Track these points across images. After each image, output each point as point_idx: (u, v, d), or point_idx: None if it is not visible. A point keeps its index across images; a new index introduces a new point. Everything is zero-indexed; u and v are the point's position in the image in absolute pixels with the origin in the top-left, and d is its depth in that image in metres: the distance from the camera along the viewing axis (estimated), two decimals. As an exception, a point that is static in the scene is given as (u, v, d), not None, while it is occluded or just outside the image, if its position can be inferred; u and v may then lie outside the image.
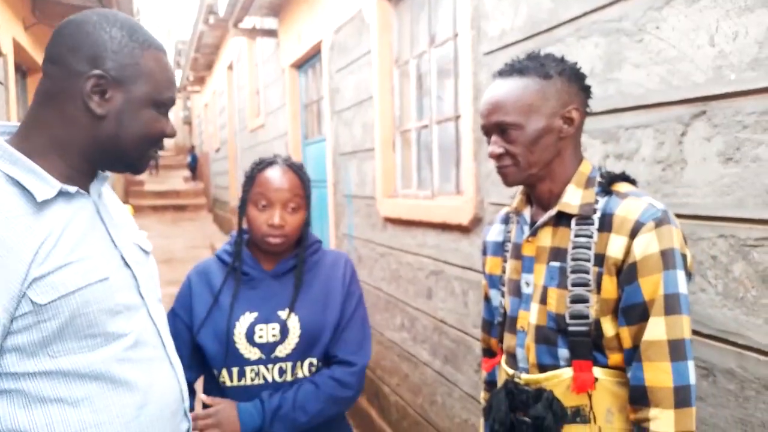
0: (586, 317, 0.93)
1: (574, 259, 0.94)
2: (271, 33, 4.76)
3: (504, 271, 1.10)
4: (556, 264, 0.97)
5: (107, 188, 0.93)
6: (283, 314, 1.23)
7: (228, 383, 1.21)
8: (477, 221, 1.92)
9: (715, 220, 1.09)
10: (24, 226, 0.72)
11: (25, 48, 3.55)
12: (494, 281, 1.14)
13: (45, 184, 0.76)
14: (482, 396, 1.26)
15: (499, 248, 1.13)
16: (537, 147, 0.96)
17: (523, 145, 0.96)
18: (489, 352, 1.24)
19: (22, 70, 3.95)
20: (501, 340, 1.12)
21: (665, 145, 1.19)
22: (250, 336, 1.21)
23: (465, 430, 2.09)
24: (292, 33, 4.17)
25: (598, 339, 0.94)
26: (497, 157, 0.99)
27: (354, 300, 1.30)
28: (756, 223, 1.01)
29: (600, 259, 0.92)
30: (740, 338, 1.05)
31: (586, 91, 1.01)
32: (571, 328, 0.94)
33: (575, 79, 0.99)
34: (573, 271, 0.94)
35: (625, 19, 1.27)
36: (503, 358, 1.09)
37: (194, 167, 16.03)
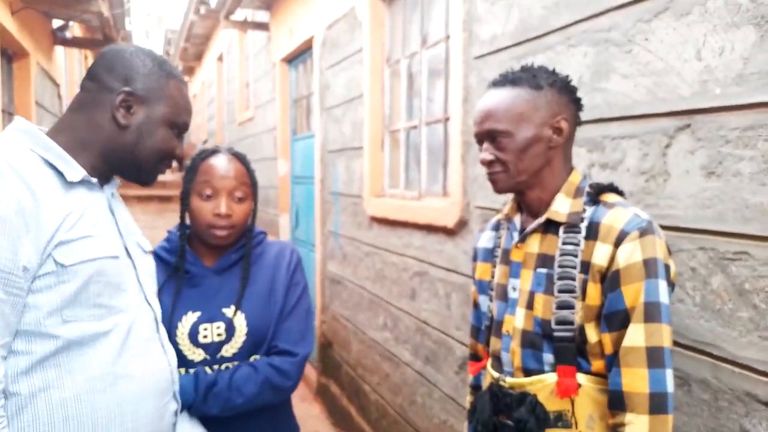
0: (571, 323, 0.95)
1: (560, 266, 0.96)
2: (263, 26, 4.72)
3: (493, 277, 1.11)
4: (543, 270, 0.99)
5: (117, 193, 1.04)
6: (228, 312, 1.18)
7: None
8: (462, 224, 1.92)
9: (695, 232, 1.10)
10: (56, 197, 0.85)
11: (11, 33, 3.48)
12: (483, 287, 1.16)
13: (72, 169, 0.89)
14: (468, 399, 1.27)
15: (489, 254, 1.15)
16: (526, 155, 0.98)
17: (512, 152, 0.99)
18: (476, 357, 1.24)
19: (8, 54, 3.87)
20: (488, 344, 1.13)
21: (649, 156, 1.20)
22: (193, 337, 1.15)
23: (441, 429, 2.09)
24: (284, 27, 4.14)
25: (582, 345, 0.95)
26: (488, 164, 1.01)
27: (298, 290, 1.25)
28: (735, 237, 1.02)
29: (586, 267, 0.94)
30: (716, 349, 1.06)
31: (576, 103, 1.03)
32: (556, 334, 0.96)
33: (566, 91, 1.01)
34: (560, 278, 0.96)
35: (614, 30, 1.28)
36: (489, 362, 1.11)
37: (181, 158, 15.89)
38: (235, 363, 1.18)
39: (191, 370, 1.15)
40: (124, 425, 0.87)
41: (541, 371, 0.98)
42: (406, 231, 2.36)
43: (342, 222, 3.14)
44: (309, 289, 1.32)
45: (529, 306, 1.00)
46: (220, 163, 1.18)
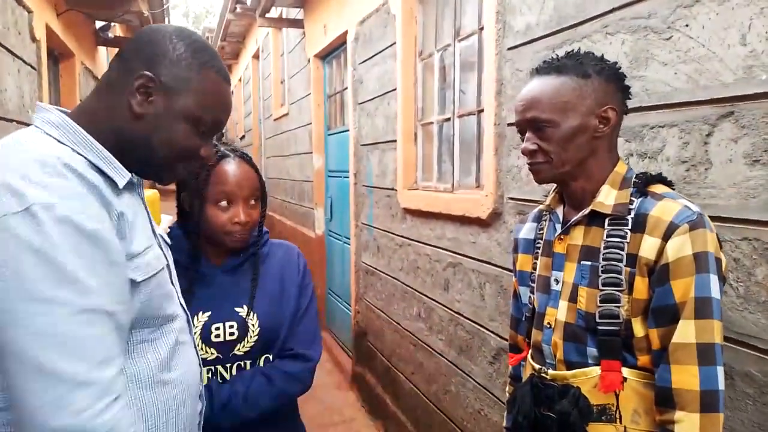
0: (617, 317, 0.93)
1: (606, 259, 0.94)
2: (297, 23, 4.78)
3: (534, 269, 1.10)
4: (588, 263, 0.97)
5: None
6: (241, 311, 1.18)
7: None
8: (496, 215, 1.92)
9: (738, 222, 1.07)
10: (113, 205, 0.78)
11: (57, 34, 3.64)
12: (524, 278, 1.14)
13: (118, 172, 0.81)
14: (507, 389, 1.27)
15: (531, 246, 1.14)
16: (571, 145, 0.96)
17: (556, 142, 0.96)
18: (515, 348, 1.24)
19: (54, 55, 4.06)
20: (528, 336, 1.13)
21: (690, 145, 1.18)
22: (206, 336, 1.15)
23: (477, 420, 2.10)
24: (318, 24, 4.18)
25: (627, 339, 0.93)
26: (530, 154, 0.99)
27: (308, 293, 1.27)
28: (780, 227, 1.00)
29: (632, 260, 0.92)
30: (761, 342, 1.04)
31: (624, 91, 1.00)
32: (600, 328, 0.94)
33: (614, 79, 0.98)
34: (604, 271, 0.94)
35: (653, 16, 1.26)
36: (530, 353, 1.10)
37: None
38: (247, 362, 1.18)
39: (204, 372, 1.14)
40: (173, 429, 0.86)
41: (585, 364, 0.96)
42: (439, 223, 2.37)
43: (376, 214, 3.17)
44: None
45: (573, 299, 0.98)
46: (235, 171, 1.15)
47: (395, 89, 2.77)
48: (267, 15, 4.92)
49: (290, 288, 1.25)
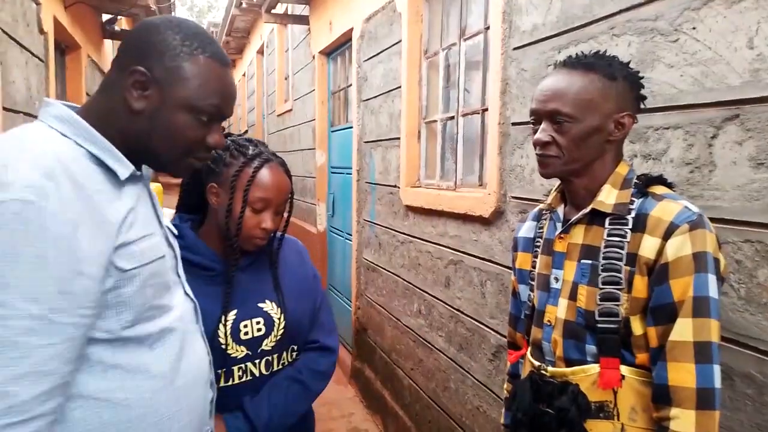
0: (616, 315, 0.93)
1: (606, 258, 0.95)
2: (302, 19, 4.78)
3: (534, 267, 1.11)
4: (588, 261, 0.98)
5: (148, 175, 0.97)
6: (265, 307, 1.19)
7: (218, 382, 1.14)
8: (498, 214, 1.93)
9: (741, 224, 1.08)
10: (111, 197, 0.77)
11: (65, 26, 3.65)
12: (523, 276, 1.15)
13: (121, 164, 0.80)
14: (505, 387, 1.28)
15: (530, 244, 1.14)
16: (584, 144, 0.96)
17: (572, 139, 0.96)
18: (514, 346, 1.24)
19: (61, 47, 4.07)
20: (527, 333, 1.14)
21: (695, 147, 1.18)
22: (235, 334, 1.15)
23: (476, 417, 2.12)
24: (323, 20, 4.19)
25: (626, 337, 0.94)
26: (543, 145, 0.98)
27: (320, 284, 1.32)
28: (783, 230, 1.00)
29: (632, 259, 0.92)
30: (761, 344, 1.05)
31: (641, 99, 1.01)
32: (600, 326, 0.95)
33: (636, 87, 0.99)
34: (604, 269, 0.95)
35: (660, 19, 1.26)
36: (529, 351, 1.11)
37: None
38: (275, 356, 1.19)
39: (235, 371, 1.16)
40: (181, 420, 0.86)
41: (584, 362, 0.97)
42: (441, 220, 2.38)
43: (378, 211, 3.18)
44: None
45: (572, 297, 0.99)
46: (275, 179, 1.15)
47: (400, 87, 2.78)
48: (272, 11, 4.93)
49: (305, 279, 1.28)
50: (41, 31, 2.99)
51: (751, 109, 1.06)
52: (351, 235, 3.69)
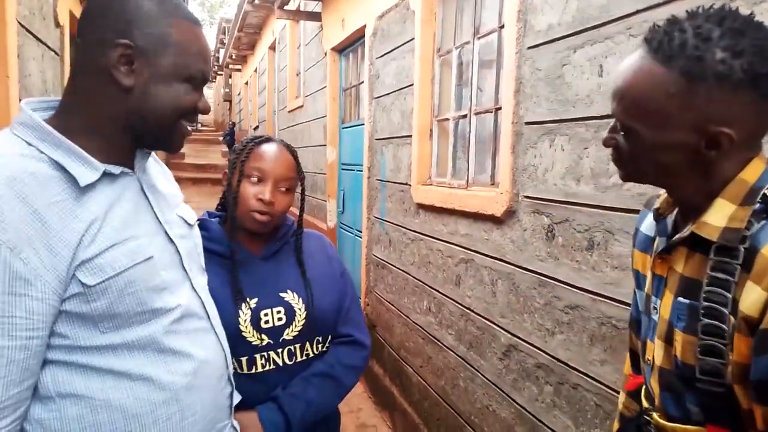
0: (722, 376, 0.69)
1: (707, 300, 0.70)
2: (315, 16, 4.79)
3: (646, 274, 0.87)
4: (686, 301, 0.73)
5: (153, 158, 0.91)
6: (286, 296, 1.19)
7: (238, 371, 1.15)
8: (510, 213, 1.93)
9: None
10: (68, 211, 0.72)
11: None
12: (639, 280, 0.89)
13: (88, 167, 0.75)
14: (614, 425, 1.04)
15: (649, 244, 0.87)
16: (652, 160, 0.72)
17: (633, 152, 0.74)
18: (634, 355, 1.01)
19: (76, 41, 4.10)
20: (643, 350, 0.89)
21: None
22: (255, 323, 1.15)
23: (485, 415, 2.13)
24: (336, 17, 4.20)
25: (736, 407, 0.70)
26: (607, 146, 0.79)
27: (349, 280, 1.32)
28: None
29: (736, 308, 0.67)
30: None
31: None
32: (701, 386, 0.71)
33: (749, 86, 0.65)
34: (705, 315, 0.70)
35: (677, 19, 1.26)
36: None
37: (232, 142, 16.34)
38: (297, 346, 1.19)
39: (258, 359, 1.17)
40: (184, 420, 0.83)
41: (687, 420, 0.75)
42: (452, 219, 2.38)
43: (388, 209, 3.19)
44: (351, 274, 1.38)
45: (668, 340, 0.76)
46: (272, 151, 1.17)
47: (412, 85, 2.79)
48: (285, 7, 4.95)
49: (332, 275, 1.28)
50: (57, 25, 3.01)
51: None
52: (361, 231, 3.71)
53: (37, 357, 0.72)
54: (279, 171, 1.15)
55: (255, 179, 1.15)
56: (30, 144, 0.74)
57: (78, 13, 3.58)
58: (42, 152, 0.73)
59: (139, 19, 0.75)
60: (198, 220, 1.10)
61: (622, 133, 0.74)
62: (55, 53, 2.97)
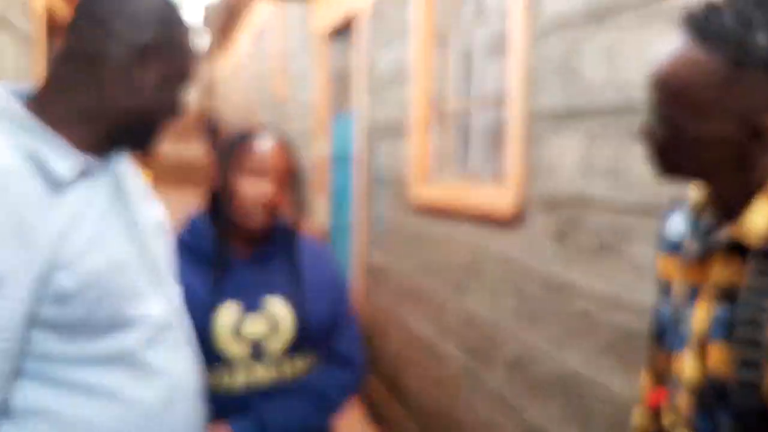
0: (759, 390, 0.66)
1: (746, 309, 0.67)
2: None
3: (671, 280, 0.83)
4: (722, 309, 0.70)
5: (127, 159, 0.89)
6: (272, 304, 1.12)
7: (218, 386, 1.07)
8: (519, 212, 1.82)
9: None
10: (44, 208, 0.69)
11: (56, 10, 3.50)
12: (666, 288, 0.85)
13: (67, 161, 0.72)
14: (636, 416, 0.99)
15: (678, 248, 0.82)
16: (693, 152, 0.69)
17: (673, 144, 0.70)
18: (654, 369, 0.94)
19: (53, 29, 3.92)
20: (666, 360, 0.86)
21: None
22: (235, 328, 1.09)
23: (489, 429, 2.04)
24: (325, 0, 4.04)
25: None
26: (642, 135, 0.75)
27: (346, 293, 1.26)
28: None
29: None
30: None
31: None
32: (736, 400, 0.68)
33: None
34: (743, 325, 0.67)
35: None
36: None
37: (214, 136, 16.10)
38: (284, 359, 1.12)
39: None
40: (162, 429, 0.80)
41: None
42: (454, 219, 2.27)
43: (385, 207, 3.07)
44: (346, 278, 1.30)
45: (701, 351, 0.72)
46: (269, 146, 1.12)
47: (410, 74, 2.66)
48: (272, -9, 4.76)
49: (330, 285, 1.21)
50: (32, 14, 2.88)
51: None
52: (353, 232, 3.59)
53: (10, 362, 0.69)
54: (277, 168, 1.11)
55: (252, 175, 1.09)
56: (5, 133, 0.71)
57: (54, 2, 3.39)
58: (18, 143, 0.70)
59: (158, 20, 0.76)
60: (186, 218, 1.11)
61: (661, 124, 0.71)
62: (30, 42, 2.83)
